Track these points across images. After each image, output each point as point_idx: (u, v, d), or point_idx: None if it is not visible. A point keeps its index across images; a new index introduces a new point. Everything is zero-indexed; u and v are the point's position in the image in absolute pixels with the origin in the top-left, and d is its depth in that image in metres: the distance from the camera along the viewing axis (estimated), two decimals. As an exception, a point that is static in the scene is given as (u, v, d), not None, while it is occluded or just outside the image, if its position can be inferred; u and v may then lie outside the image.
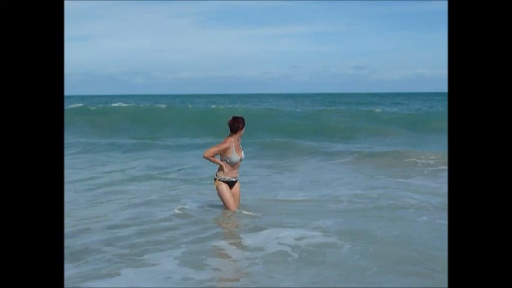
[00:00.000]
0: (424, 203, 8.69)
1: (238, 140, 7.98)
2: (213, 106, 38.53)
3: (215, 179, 7.98)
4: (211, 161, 7.97)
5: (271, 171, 12.96)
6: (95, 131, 25.24)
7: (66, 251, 5.75)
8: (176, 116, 29.46)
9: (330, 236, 6.58)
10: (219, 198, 8.08)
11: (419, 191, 9.92)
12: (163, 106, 36.80)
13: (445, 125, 20.77)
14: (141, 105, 39.93)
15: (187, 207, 8.46)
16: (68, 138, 19.34)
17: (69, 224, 7.22)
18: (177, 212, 8.13)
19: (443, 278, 4.75)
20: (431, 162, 13.31)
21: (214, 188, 8.05)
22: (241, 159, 7.97)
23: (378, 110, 34.66)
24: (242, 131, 7.95)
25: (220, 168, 7.94)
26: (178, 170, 13.16)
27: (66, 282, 4.89)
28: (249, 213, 7.94)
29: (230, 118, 8.01)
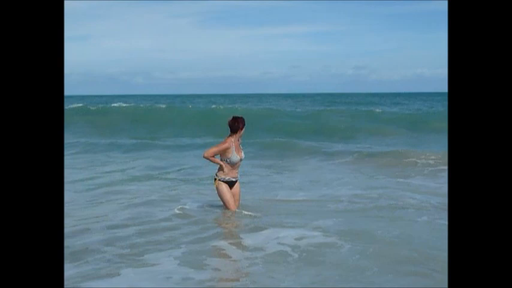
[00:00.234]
0: (424, 203, 8.69)
1: (238, 140, 7.98)
2: (213, 106, 38.53)
3: (215, 179, 7.98)
4: (211, 161, 7.97)
5: (271, 171, 12.96)
6: (94, 131, 25.23)
7: (66, 251, 5.78)
8: (176, 116, 29.44)
9: (330, 236, 6.58)
10: (219, 198, 8.08)
11: (419, 191, 9.92)
12: (163, 106, 36.79)
13: (445, 125, 20.77)
14: (141, 105, 39.91)
15: (187, 207, 8.45)
16: (68, 138, 19.34)
17: (70, 224, 7.23)
18: (177, 212, 8.13)
19: (443, 278, 4.75)
20: (431, 162, 13.31)
21: (214, 188, 8.04)
22: (241, 159, 7.97)
23: (377, 110, 34.66)
24: (242, 131, 7.95)
25: (220, 168, 7.93)
26: (178, 170, 13.16)
27: (66, 282, 4.90)
28: (249, 213, 7.94)
29: (230, 118, 8.00)
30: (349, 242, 6.30)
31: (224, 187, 7.94)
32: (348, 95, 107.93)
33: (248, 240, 6.54)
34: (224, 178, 7.93)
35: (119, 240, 6.60)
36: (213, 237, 6.79)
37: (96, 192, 10.07)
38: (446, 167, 11.75)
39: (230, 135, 7.90)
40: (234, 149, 7.83)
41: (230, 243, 6.45)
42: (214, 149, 7.87)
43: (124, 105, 38.66)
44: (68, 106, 33.69)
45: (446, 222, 6.63)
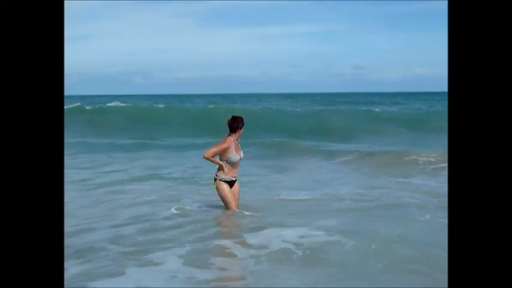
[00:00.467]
0: (425, 202, 8.73)
1: (237, 140, 7.98)
2: (212, 106, 38.46)
3: (215, 179, 7.96)
4: (211, 161, 7.94)
5: (271, 171, 12.97)
6: (94, 131, 25.19)
7: (70, 250, 5.92)
8: (175, 116, 29.41)
9: (333, 234, 6.60)
10: (219, 198, 8.08)
11: (421, 190, 9.95)
12: (163, 106, 36.76)
13: (444, 124, 20.81)
14: (140, 105, 39.84)
15: (187, 207, 8.46)
16: (67, 138, 19.31)
17: (73, 223, 7.28)
18: (178, 212, 8.15)
19: (444, 278, 4.77)
20: (432, 161, 13.33)
21: (215, 188, 8.04)
22: (240, 159, 7.96)
23: (377, 110, 34.73)
24: (241, 131, 7.95)
25: (220, 168, 7.92)
26: (178, 170, 13.16)
27: (71, 281, 5.00)
28: (250, 213, 7.95)
29: (229, 117, 7.99)
30: (352, 240, 6.32)
31: (225, 187, 7.93)
32: (348, 94, 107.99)
33: (251, 239, 6.55)
34: (224, 178, 7.92)
35: (122, 239, 6.64)
36: (216, 236, 6.83)
37: (97, 192, 10.08)
38: (446, 166, 11.76)
39: (229, 135, 7.88)
40: (233, 148, 7.82)
41: (233, 243, 6.46)
42: (214, 149, 7.83)
43: (123, 105, 38.43)
44: (66, 106, 33.51)
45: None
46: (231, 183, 7.99)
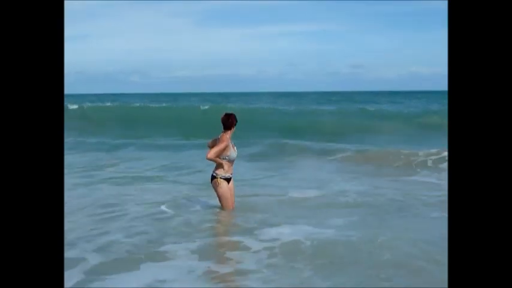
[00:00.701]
0: (426, 201, 8.78)
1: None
2: (206, 107, 38.30)
3: (215, 177, 7.96)
4: (214, 161, 7.89)
5: (268, 171, 12.97)
6: (92, 130, 25.12)
7: (90, 245, 6.34)
8: (174, 116, 29.35)
9: (337, 233, 6.73)
10: (216, 196, 8.09)
11: (422, 188, 10.04)
12: (160, 105, 36.77)
13: (442, 122, 20.85)
14: (138, 105, 39.75)
15: (187, 207, 8.53)
16: (66, 137, 19.26)
17: (81, 221, 7.53)
18: (181, 210, 8.25)
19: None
20: (431, 160, 13.35)
21: (215, 186, 8.01)
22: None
23: (374, 108, 34.70)
24: (235, 128, 7.98)
25: (219, 166, 7.92)
26: (178, 170, 13.17)
27: (91, 273, 5.33)
28: (253, 211, 8.07)
29: (223, 115, 8.02)
30: (358, 238, 6.46)
31: (225, 185, 7.96)
32: (344, 93, 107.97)
33: (261, 235, 6.69)
34: (225, 175, 7.95)
35: (134, 235, 6.79)
36: (225, 233, 7.09)
37: (98, 192, 10.07)
38: (446, 165, 11.82)
39: (225, 133, 7.91)
40: (231, 145, 7.87)
41: (244, 238, 6.61)
42: (216, 150, 7.79)
43: (121, 104, 38.49)
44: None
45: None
46: (228, 181, 8.03)
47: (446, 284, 3.33)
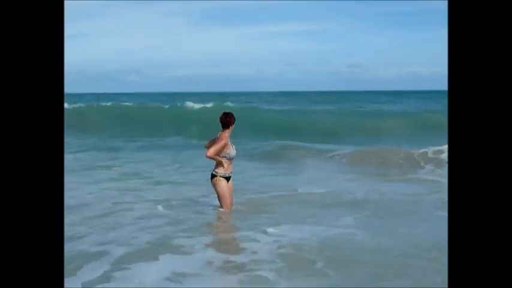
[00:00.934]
0: (428, 200, 8.82)
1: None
2: (200, 106, 38.26)
3: (215, 176, 7.97)
4: (214, 159, 7.91)
5: (268, 170, 12.99)
6: (91, 130, 25.11)
7: (109, 237, 6.61)
8: (172, 115, 29.35)
9: (339, 233, 6.81)
10: (215, 195, 8.11)
11: (424, 187, 10.09)
12: (159, 105, 36.64)
13: (441, 122, 20.86)
14: (133, 104, 39.68)
15: (188, 205, 8.59)
16: (66, 137, 19.23)
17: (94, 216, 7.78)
18: (184, 208, 8.30)
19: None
20: (432, 158, 13.37)
21: (214, 185, 8.03)
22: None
23: (374, 108, 34.74)
24: (233, 126, 8.01)
25: (219, 165, 7.94)
26: (178, 169, 13.21)
27: (114, 263, 5.59)
28: (256, 210, 8.17)
29: (221, 114, 8.05)
30: (364, 236, 6.59)
31: (224, 183, 7.98)
32: (344, 93, 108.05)
33: (266, 233, 6.78)
34: (225, 174, 7.98)
35: (147, 231, 6.93)
36: (229, 231, 7.27)
37: (99, 192, 10.05)
38: (446, 165, 11.86)
39: (223, 131, 7.94)
40: (230, 144, 7.91)
41: (254, 232, 6.77)
42: (215, 147, 7.82)
43: (119, 104, 38.31)
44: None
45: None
46: (227, 179, 8.05)
47: (446, 284, 3.33)
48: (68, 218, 6.93)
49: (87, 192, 9.83)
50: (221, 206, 8.06)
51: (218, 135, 7.93)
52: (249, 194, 9.36)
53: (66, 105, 33.72)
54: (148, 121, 27.62)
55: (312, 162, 14.32)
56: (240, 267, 5.52)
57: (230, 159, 7.96)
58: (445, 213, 7.70)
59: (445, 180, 10.63)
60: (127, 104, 38.45)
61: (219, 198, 8.06)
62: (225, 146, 7.83)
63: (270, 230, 6.85)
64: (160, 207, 8.41)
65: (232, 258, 5.89)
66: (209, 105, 31.44)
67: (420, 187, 10.22)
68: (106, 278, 5.24)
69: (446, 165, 12.12)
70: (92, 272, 5.35)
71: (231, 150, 7.91)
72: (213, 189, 8.13)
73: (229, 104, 33.39)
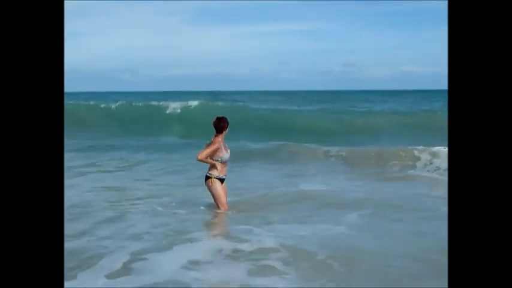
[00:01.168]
0: (428, 199, 8.85)
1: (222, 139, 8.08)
2: (192, 106, 38.14)
3: (209, 177, 8.06)
4: (205, 162, 8.07)
5: (266, 170, 12.98)
6: (88, 129, 25.03)
7: (127, 232, 6.88)
8: (168, 114, 29.29)
9: (340, 232, 6.86)
10: (210, 196, 8.15)
11: (422, 186, 10.10)
12: (153, 103, 36.46)
13: (438, 122, 20.87)
14: (132, 104, 39.50)
15: (188, 205, 8.61)
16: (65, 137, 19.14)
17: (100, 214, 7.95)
18: (177, 210, 8.27)
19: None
20: (430, 158, 13.40)
21: (209, 186, 8.11)
22: (229, 157, 8.12)
23: (368, 108, 34.74)
24: (227, 130, 8.05)
25: (213, 167, 8.05)
26: (175, 169, 13.20)
27: (133, 256, 5.85)
28: (250, 209, 8.17)
29: (214, 119, 8.16)
30: (365, 236, 6.64)
31: (218, 185, 8.07)
32: (337, 92, 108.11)
33: (266, 231, 6.87)
34: (218, 176, 8.08)
35: (156, 227, 7.16)
36: (234, 228, 7.30)
37: (99, 192, 10.04)
38: (445, 162, 11.91)
39: (216, 136, 8.06)
40: (223, 148, 7.97)
41: (260, 230, 6.89)
42: (207, 151, 7.97)
43: (115, 103, 38.13)
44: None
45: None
46: (222, 181, 8.13)
47: (446, 284, 3.34)
48: (68, 218, 7.00)
49: (85, 190, 9.88)
50: (218, 207, 8.11)
51: (212, 140, 8.03)
52: (248, 193, 9.38)
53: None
54: (142, 120, 27.57)
55: (310, 161, 14.33)
56: (249, 254, 5.85)
57: (223, 162, 8.05)
58: (444, 213, 7.75)
59: (444, 178, 10.67)
60: (122, 102, 38.27)
61: (215, 199, 8.13)
62: (217, 150, 7.95)
63: (270, 229, 6.90)
64: (159, 208, 8.44)
65: (241, 247, 6.15)
66: (204, 104, 31.32)
67: (420, 187, 10.25)
68: (127, 269, 5.50)
69: (446, 164, 12.18)
70: (111, 264, 5.62)
71: (224, 154, 8.00)
72: (208, 192, 8.19)
73: (218, 103, 33.21)
